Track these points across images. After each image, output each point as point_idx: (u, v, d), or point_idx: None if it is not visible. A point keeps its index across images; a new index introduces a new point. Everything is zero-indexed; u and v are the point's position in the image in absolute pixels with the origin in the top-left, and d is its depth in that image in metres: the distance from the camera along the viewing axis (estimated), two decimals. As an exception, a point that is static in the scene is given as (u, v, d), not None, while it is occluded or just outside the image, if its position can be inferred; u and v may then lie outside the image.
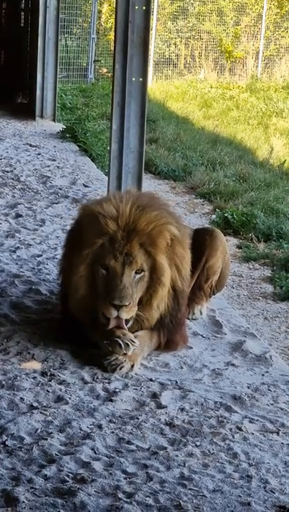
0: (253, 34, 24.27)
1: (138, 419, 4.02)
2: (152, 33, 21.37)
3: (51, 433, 3.86)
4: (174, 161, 12.12)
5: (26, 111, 13.29)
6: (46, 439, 3.79)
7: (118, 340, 4.50)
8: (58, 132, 11.89)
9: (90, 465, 3.60)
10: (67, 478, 3.50)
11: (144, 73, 6.89)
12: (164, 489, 3.46)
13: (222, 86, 21.72)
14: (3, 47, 14.95)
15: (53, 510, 3.29)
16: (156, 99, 18.26)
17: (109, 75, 19.15)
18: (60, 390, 4.28)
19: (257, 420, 4.09)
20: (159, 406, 4.17)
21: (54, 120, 12.84)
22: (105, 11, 22.85)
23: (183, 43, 23.61)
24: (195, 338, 5.07)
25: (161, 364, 4.68)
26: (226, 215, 9.34)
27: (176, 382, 4.44)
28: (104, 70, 21.20)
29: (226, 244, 5.52)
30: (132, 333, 4.60)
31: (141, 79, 6.87)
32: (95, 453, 3.71)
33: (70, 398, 4.19)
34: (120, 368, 4.48)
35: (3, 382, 4.33)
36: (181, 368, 4.66)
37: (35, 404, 4.13)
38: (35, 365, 4.55)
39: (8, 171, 9.43)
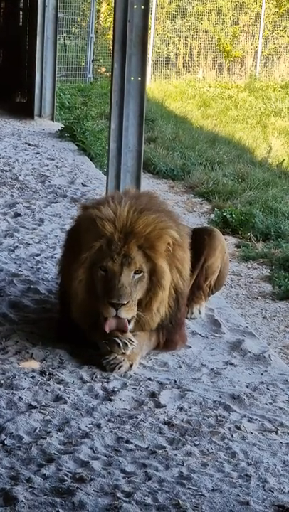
0: (251, 33, 24.28)
1: (137, 418, 4.02)
2: (151, 32, 21.37)
3: (50, 432, 3.86)
4: (173, 161, 12.12)
5: (25, 110, 13.29)
6: (45, 439, 3.79)
7: (116, 339, 4.50)
8: (57, 131, 11.90)
9: (88, 464, 3.60)
10: (66, 477, 3.50)
11: (142, 72, 6.89)
12: (163, 488, 3.46)
13: (220, 85, 21.72)
14: (2, 46, 14.93)
15: (52, 510, 3.29)
16: (155, 98, 18.26)
17: (108, 74, 19.13)
18: (59, 389, 4.28)
19: (256, 419, 4.09)
20: (158, 405, 4.17)
21: (53, 119, 12.84)
22: (104, 10, 22.84)
23: (181, 42, 23.60)
24: (194, 338, 5.07)
25: (160, 363, 4.68)
26: (224, 214, 9.34)
27: (175, 381, 4.45)
28: (103, 69, 21.20)
29: (225, 244, 5.52)
30: (131, 332, 4.60)
31: (139, 78, 6.87)
32: (94, 452, 3.71)
33: (68, 397, 4.19)
34: (119, 368, 4.48)
35: (2, 382, 4.33)
36: (180, 367, 4.66)
37: (33, 403, 4.13)
38: (34, 365, 4.55)
39: (6, 170, 9.43)
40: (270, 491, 3.49)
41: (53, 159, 10.22)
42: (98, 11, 22.34)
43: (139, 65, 6.85)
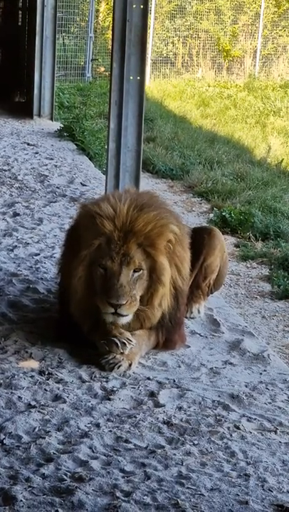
0: (250, 33, 24.29)
1: (136, 417, 4.02)
2: (150, 31, 21.38)
3: (49, 432, 3.85)
4: (172, 160, 12.12)
5: (24, 110, 13.30)
6: (44, 438, 3.79)
7: (115, 339, 4.50)
8: (56, 131, 11.90)
9: (87, 464, 3.60)
10: (65, 476, 3.50)
11: (141, 72, 6.89)
12: (162, 488, 3.46)
13: (220, 85, 21.73)
14: (1, 46, 14.95)
15: (51, 509, 3.28)
16: (154, 98, 18.26)
17: (107, 73, 19.14)
18: (58, 388, 4.28)
19: (255, 419, 4.09)
20: (157, 405, 4.17)
21: (52, 119, 12.84)
22: (103, 10, 22.86)
23: (180, 41, 23.61)
24: (193, 337, 5.07)
25: (159, 363, 4.68)
26: (223, 213, 9.34)
27: (174, 380, 4.45)
28: (102, 69, 21.21)
29: (224, 243, 5.52)
30: (130, 331, 4.60)
31: (138, 78, 6.87)
32: (93, 452, 3.71)
33: (67, 397, 4.19)
34: (118, 367, 4.48)
35: (1, 381, 4.33)
36: (179, 366, 4.66)
37: (33, 403, 4.13)
38: (33, 364, 4.55)
39: (5, 170, 9.43)
40: (269, 490, 3.49)
41: (52, 159, 10.22)
42: (97, 11, 22.36)
43: (138, 64, 6.85)
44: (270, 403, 4.27)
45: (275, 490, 3.50)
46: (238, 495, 3.44)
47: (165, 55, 23.17)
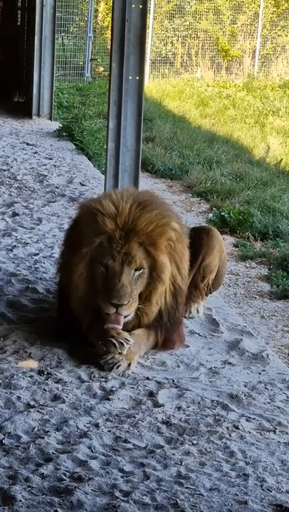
0: (249, 33, 24.29)
1: (135, 417, 4.02)
2: (149, 31, 21.38)
3: (48, 432, 3.85)
4: (171, 160, 12.12)
5: (23, 109, 13.30)
6: (43, 438, 3.79)
7: (112, 339, 4.49)
8: (55, 131, 11.90)
9: (86, 464, 3.60)
10: (64, 476, 3.50)
11: (140, 72, 6.89)
12: (161, 488, 3.46)
13: (219, 85, 21.73)
14: (0, 46, 14.94)
15: (50, 509, 3.28)
16: (153, 97, 18.26)
17: (106, 73, 19.15)
18: (57, 388, 4.28)
19: (254, 419, 4.09)
20: (156, 405, 4.17)
21: (51, 119, 12.84)
22: (102, 10, 22.85)
23: (179, 41, 23.61)
24: (192, 337, 5.07)
25: (158, 363, 4.68)
26: (222, 213, 9.34)
27: (173, 380, 4.44)
28: (101, 69, 21.21)
29: (223, 243, 5.52)
30: (129, 331, 4.60)
31: (137, 77, 6.87)
32: (92, 451, 3.71)
33: (66, 397, 4.19)
34: (117, 367, 4.47)
35: (0, 381, 4.32)
36: (178, 366, 4.66)
37: (32, 402, 4.13)
38: (32, 364, 4.55)
39: (4, 170, 9.43)
40: (268, 490, 3.49)
41: (51, 158, 10.22)
42: (96, 11, 22.35)
43: (137, 64, 6.85)
44: (269, 403, 4.27)
45: (274, 490, 3.50)
46: (237, 495, 3.44)
47: (164, 55, 23.18)
